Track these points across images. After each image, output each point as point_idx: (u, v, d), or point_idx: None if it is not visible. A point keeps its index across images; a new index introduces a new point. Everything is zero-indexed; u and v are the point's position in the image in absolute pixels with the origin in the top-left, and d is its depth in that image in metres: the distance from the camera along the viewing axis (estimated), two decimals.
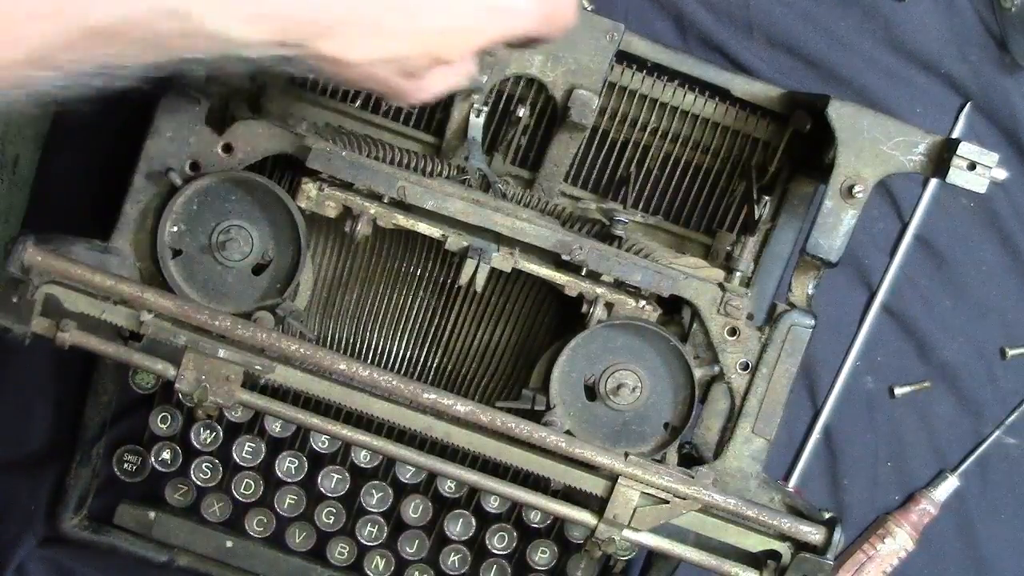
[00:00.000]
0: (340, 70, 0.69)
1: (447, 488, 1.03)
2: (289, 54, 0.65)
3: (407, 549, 1.05)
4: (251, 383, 0.85)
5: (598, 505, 0.87)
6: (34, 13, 0.54)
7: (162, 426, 1.03)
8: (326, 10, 0.65)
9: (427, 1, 0.69)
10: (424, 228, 0.86)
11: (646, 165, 1.01)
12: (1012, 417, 1.16)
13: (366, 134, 0.97)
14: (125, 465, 1.04)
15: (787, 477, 1.15)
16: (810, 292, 0.92)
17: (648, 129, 0.99)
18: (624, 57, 0.95)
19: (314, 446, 1.02)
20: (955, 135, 1.12)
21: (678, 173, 1.01)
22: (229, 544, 1.04)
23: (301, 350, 0.83)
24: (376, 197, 0.85)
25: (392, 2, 0.67)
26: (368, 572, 1.06)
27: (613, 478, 0.86)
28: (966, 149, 0.86)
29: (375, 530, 1.04)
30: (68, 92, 0.59)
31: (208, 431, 1.03)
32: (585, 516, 0.87)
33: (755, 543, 0.88)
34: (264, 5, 0.62)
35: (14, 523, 1.06)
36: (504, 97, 0.97)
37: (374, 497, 1.04)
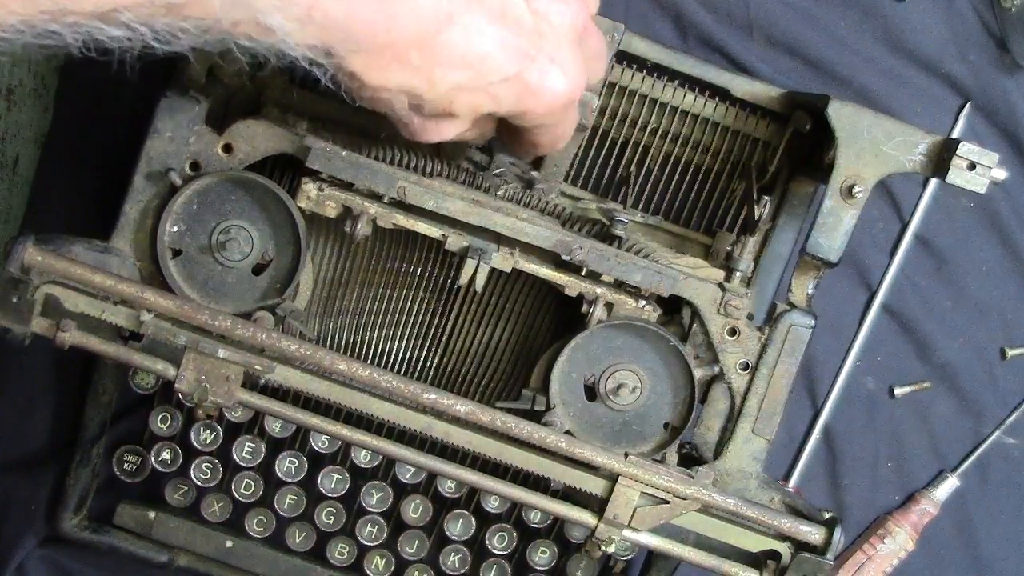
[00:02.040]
0: (356, 86, 0.72)
1: (447, 488, 1.03)
2: (321, 59, 0.68)
3: (407, 549, 1.05)
4: (251, 383, 0.85)
5: (598, 505, 0.87)
6: None
7: (162, 426, 1.03)
8: (366, 30, 0.68)
9: (457, 54, 0.71)
10: (424, 228, 0.86)
11: (646, 165, 1.01)
12: (1012, 417, 1.16)
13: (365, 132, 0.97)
14: (125, 465, 1.04)
15: (787, 477, 1.15)
16: (810, 292, 0.92)
17: (648, 129, 0.99)
18: (624, 57, 0.95)
19: (314, 446, 1.02)
20: (955, 135, 1.12)
21: (678, 173, 1.01)
22: (229, 544, 1.04)
23: (301, 350, 0.83)
24: (376, 197, 0.85)
25: (427, 44, 0.70)
26: (368, 572, 1.06)
27: (613, 478, 0.86)
28: (966, 149, 0.85)
29: (375, 530, 1.04)
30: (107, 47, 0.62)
31: (208, 431, 1.03)
32: (585, 516, 0.87)
33: (755, 543, 0.88)
34: (316, 11, 0.65)
35: (14, 523, 1.06)
36: None
37: (374, 497, 1.04)
